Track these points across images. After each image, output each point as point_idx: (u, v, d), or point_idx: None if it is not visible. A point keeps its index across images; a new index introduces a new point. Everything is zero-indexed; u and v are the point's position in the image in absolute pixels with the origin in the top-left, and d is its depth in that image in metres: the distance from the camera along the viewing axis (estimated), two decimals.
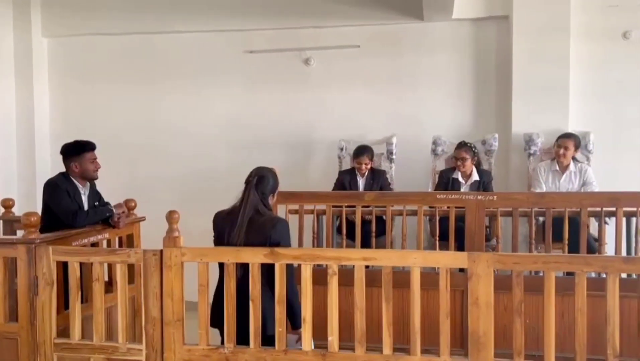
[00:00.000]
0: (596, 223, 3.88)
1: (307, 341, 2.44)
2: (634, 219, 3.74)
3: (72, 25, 5.76)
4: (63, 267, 2.80)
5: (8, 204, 4.22)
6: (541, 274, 2.43)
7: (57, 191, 3.34)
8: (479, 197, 3.73)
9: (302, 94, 5.43)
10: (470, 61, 5.19)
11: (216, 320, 2.60)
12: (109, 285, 3.16)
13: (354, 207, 3.93)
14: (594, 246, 3.89)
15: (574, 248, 3.65)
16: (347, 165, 5.05)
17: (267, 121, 5.48)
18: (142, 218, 3.80)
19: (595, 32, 4.89)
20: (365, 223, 4.05)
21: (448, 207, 3.83)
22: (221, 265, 2.55)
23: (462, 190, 4.43)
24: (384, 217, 4.01)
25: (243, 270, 2.53)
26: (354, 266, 2.40)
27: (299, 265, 2.46)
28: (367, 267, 2.42)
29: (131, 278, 2.91)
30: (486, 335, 2.27)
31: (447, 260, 2.34)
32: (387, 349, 2.37)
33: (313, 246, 4.04)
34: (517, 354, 2.28)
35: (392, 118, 5.24)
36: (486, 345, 2.27)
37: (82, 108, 5.82)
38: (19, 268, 2.74)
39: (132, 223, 3.69)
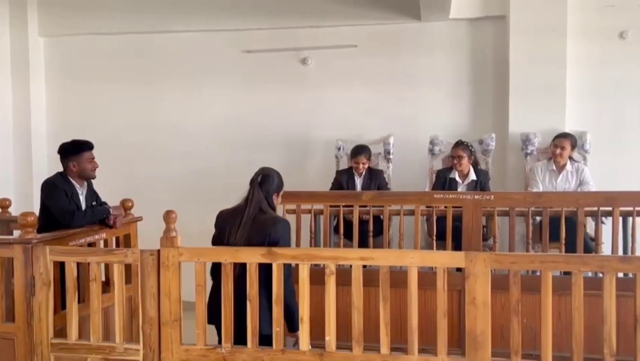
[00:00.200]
0: (593, 223, 3.89)
1: (305, 341, 2.44)
2: (630, 218, 3.74)
3: (69, 25, 5.75)
4: (60, 267, 2.80)
5: (5, 204, 4.20)
6: (538, 273, 2.43)
7: (54, 191, 3.33)
8: (476, 197, 3.74)
9: (300, 94, 5.44)
10: (467, 61, 5.20)
11: (212, 316, 2.59)
12: (106, 285, 3.16)
13: (351, 206, 3.93)
14: (591, 245, 3.90)
15: (570, 247, 3.66)
16: (344, 164, 5.06)
17: (264, 121, 5.48)
18: (139, 218, 3.80)
19: (592, 32, 4.90)
20: (363, 222, 4.05)
21: (445, 207, 3.84)
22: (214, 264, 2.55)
23: (460, 189, 4.43)
24: (382, 217, 4.02)
25: (240, 269, 2.53)
26: (351, 266, 2.41)
27: (297, 265, 2.46)
28: (364, 266, 2.42)
29: (128, 278, 2.91)
30: (483, 335, 2.28)
31: (444, 259, 2.34)
32: (384, 348, 2.38)
33: (310, 246, 4.04)
34: (514, 353, 2.28)
35: (389, 118, 5.24)
36: (483, 345, 2.28)
37: (79, 107, 5.81)
38: (16, 268, 2.73)
39: (129, 223, 3.68)
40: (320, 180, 5.03)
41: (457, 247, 3.74)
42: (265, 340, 2.51)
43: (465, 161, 4.48)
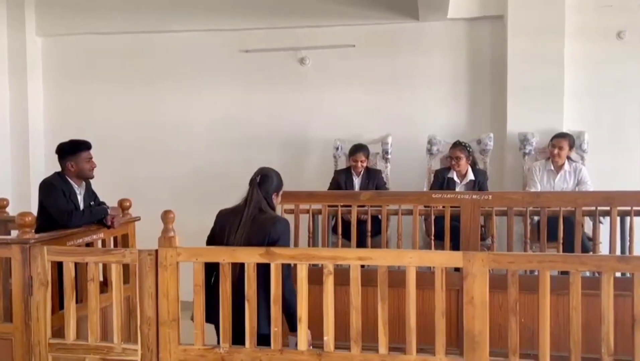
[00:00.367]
0: (591, 223, 3.89)
1: (303, 341, 2.44)
2: (628, 218, 3.75)
3: (67, 25, 5.74)
4: (58, 267, 2.79)
5: (2, 204, 4.19)
6: (536, 273, 2.43)
7: (52, 191, 3.32)
8: (474, 197, 3.74)
9: (298, 94, 5.43)
10: (465, 61, 5.21)
11: (210, 315, 2.58)
12: (104, 285, 3.15)
13: (349, 206, 3.93)
14: (589, 245, 3.91)
15: (568, 247, 3.67)
16: (342, 164, 5.06)
17: (262, 120, 5.48)
18: (137, 218, 3.79)
19: (590, 32, 4.91)
20: (361, 222, 4.05)
21: (443, 207, 3.84)
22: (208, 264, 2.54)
23: (458, 189, 4.43)
24: (380, 217, 4.02)
25: (241, 271, 2.52)
26: (349, 265, 2.41)
27: (295, 265, 2.46)
28: (362, 266, 2.42)
29: (126, 278, 2.91)
30: (481, 334, 2.28)
31: (442, 259, 2.34)
32: (382, 348, 2.38)
33: (309, 245, 4.05)
34: (512, 353, 2.29)
35: (387, 117, 5.25)
36: (481, 344, 2.28)
37: (77, 107, 5.80)
38: (14, 268, 2.73)
39: (127, 223, 3.68)
40: (318, 180, 5.03)
41: (455, 246, 3.74)
42: (262, 339, 2.50)
43: (463, 162, 4.48)
